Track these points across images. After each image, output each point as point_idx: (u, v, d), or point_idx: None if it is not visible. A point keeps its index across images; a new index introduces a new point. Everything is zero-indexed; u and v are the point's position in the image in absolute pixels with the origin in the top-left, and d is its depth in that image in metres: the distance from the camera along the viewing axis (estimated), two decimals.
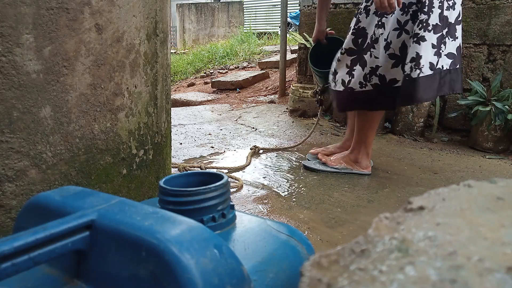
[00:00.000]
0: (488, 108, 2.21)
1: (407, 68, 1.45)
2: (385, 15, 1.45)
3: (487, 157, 2.19)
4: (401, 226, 0.34)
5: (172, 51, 8.26)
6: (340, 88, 1.63)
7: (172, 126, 1.64)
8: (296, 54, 3.71)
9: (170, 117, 1.14)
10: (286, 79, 3.82)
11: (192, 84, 5.15)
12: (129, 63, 0.89)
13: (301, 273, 0.32)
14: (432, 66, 1.44)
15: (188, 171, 0.75)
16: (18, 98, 0.70)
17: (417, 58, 1.42)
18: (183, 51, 8.23)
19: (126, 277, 0.38)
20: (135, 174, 0.96)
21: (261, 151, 2.12)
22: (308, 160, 1.93)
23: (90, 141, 0.83)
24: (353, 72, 1.58)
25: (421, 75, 1.43)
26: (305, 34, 3.18)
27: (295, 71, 4.11)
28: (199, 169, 1.75)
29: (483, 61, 2.53)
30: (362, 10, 1.53)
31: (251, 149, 2.07)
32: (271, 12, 9.74)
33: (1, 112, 0.69)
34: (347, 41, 1.59)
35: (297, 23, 5.79)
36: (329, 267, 0.31)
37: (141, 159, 0.97)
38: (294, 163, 1.94)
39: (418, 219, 0.35)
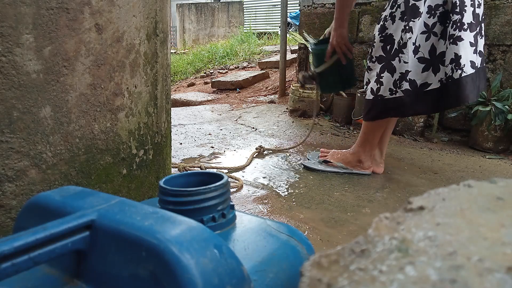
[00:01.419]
0: (488, 108, 2.21)
1: (447, 70, 1.44)
2: (412, 19, 1.45)
3: (487, 157, 2.19)
4: (401, 226, 0.34)
5: (172, 51, 8.26)
6: (369, 97, 1.60)
7: (172, 126, 1.64)
8: (296, 54, 3.71)
9: (170, 117, 1.14)
10: (286, 79, 3.82)
11: (192, 84, 5.15)
12: (129, 63, 0.89)
13: (301, 273, 0.32)
14: (473, 64, 1.45)
15: (188, 171, 0.75)
16: (18, 98, 0.70)
17: (456, 59, 1.42)
18: (183, 51, 8.23)
19: (126, 277, 0.38)
20: (135, 174, 0.96)
21: (265, 151, 2.11)
22: (308, 160, 1.93)
23: (90, 141, 0.83)
24: (381, 80, 1.55)
25: (463, 74, 1.43)
26: (305, 34, 3.18)
27: (295, 71, 4.11)
28: (199, 169, 1.75)
29: None
30: (387, 17, 1.51)
31: (256, 149, 2.07)
32: (271, 12, 9.74)
33: (1, 112, 0.69)
34: (376, 49, 1.56)
35: (297, 23, 5.79)
36: (329, 267, 0.31)
37: (141, 159, 0.97)
38: (294, 163, 1.94)
39: (418, 219, 0.35)
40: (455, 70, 1.43)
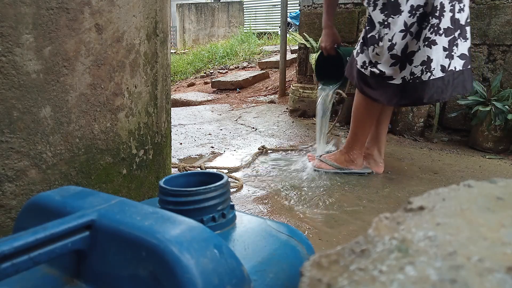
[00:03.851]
0: (488, 108, 2.21)
1: (416, 70, 1.47)
2: (391, 16, 1.46)
3: (487, 157, 2.19)
4: (401, 226, 0.34)
5: (172, 51, 8.26)
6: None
7: (172, 126, 1.64)
8: (296, 54, 3.71)
9: (170, 117, 1.14)
10: (286, 79, 3.82)
11: (192, 84, 5.15)
12: (129, 63, 0.89)
13: (301, 273, 0.32)
14: (443, 68, 1.47)
15: (188, 171, 0.75)
16: (18, 98, 0.70)
17: (428, 62, 1.45)
18: (183, 51, 8.23)
19: (126, 277, 0.38)
20: (135, 174, 0.96)
21: (269, 151, 2.12)
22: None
23: (90, 141, 0.83)
24: (360, 53, 1.61)
25: (431, 77, 1.46)
26: (305, 34, 3.18)
27: (295, 71, 4.11)
28: (199, 169, 1.75)
29: (483, 61, 2.53)
30: (371, 2, 1.53)
31: (259, 149, 2.08)
32: (271, 12, 9.74)
33: (1, 112, 0.69)
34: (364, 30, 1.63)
35: (297, 23, 5.79)
36: (329, 267, 0.31)
37: (141, 159, 0.97)
38: (294, 163, 1.94)
39: (418, 219, 0.35)
40: (424, 72, 1.46)
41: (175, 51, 8.71)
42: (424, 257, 0.29)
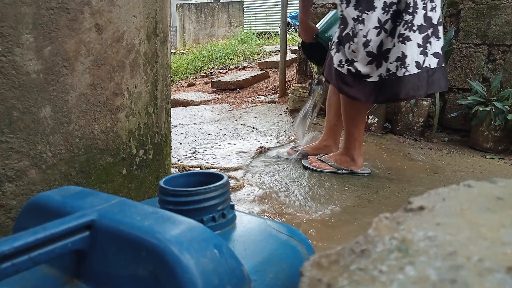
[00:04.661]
0: (488, 108, 2.21)
1: (392, 67, 1.48)
2: (366, 11, 1.46)
3: (487, 157, 2.19)
4: (401, 226, 0.34)
5: (172, 51, 8.27)
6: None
7: (172, 126, 1.64)
8: (296, 54, 3.71)
9: (170, 117, 1.14)
10: (286, 79, 3.82)
11: (192, 84, 5.15)
12: (129, 63, 0.89)
13: (301, 273, 0.32)
14: (418, 64, 1.48)
15: (188, 171, 0.75)
16: (18, 98, 0.70)
17: (402, 58, 1.45)
18: (183, 51, 8.23)
19: (126, 277, 0.38)
20: (135, 174, 0.96)
21: (267, 151, 2.12)
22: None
23: (90, 141, 0.83)
24: (337, 52, 1.62)
25: (406, 73, 1.47)
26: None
27: (295, 71, 4.11)
28: (199, 169, 1.75)
29: (483, 61, 2.53)
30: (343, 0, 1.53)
31: (257, 149, 2.08)
32: (271, 12, 9.73)
33: (1, 112, 0.69)
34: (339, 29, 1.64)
35: (297, 23, 5.79)
36: (329, 267, 0.31)
37: (141, 159, 0.97)
38: (294, 163, 1.94)
39: (418, 219, 0.35)
40: (399, 68, 1.47)
41: (175, 51, 8.71)
42: (424, 257, 0.29)
